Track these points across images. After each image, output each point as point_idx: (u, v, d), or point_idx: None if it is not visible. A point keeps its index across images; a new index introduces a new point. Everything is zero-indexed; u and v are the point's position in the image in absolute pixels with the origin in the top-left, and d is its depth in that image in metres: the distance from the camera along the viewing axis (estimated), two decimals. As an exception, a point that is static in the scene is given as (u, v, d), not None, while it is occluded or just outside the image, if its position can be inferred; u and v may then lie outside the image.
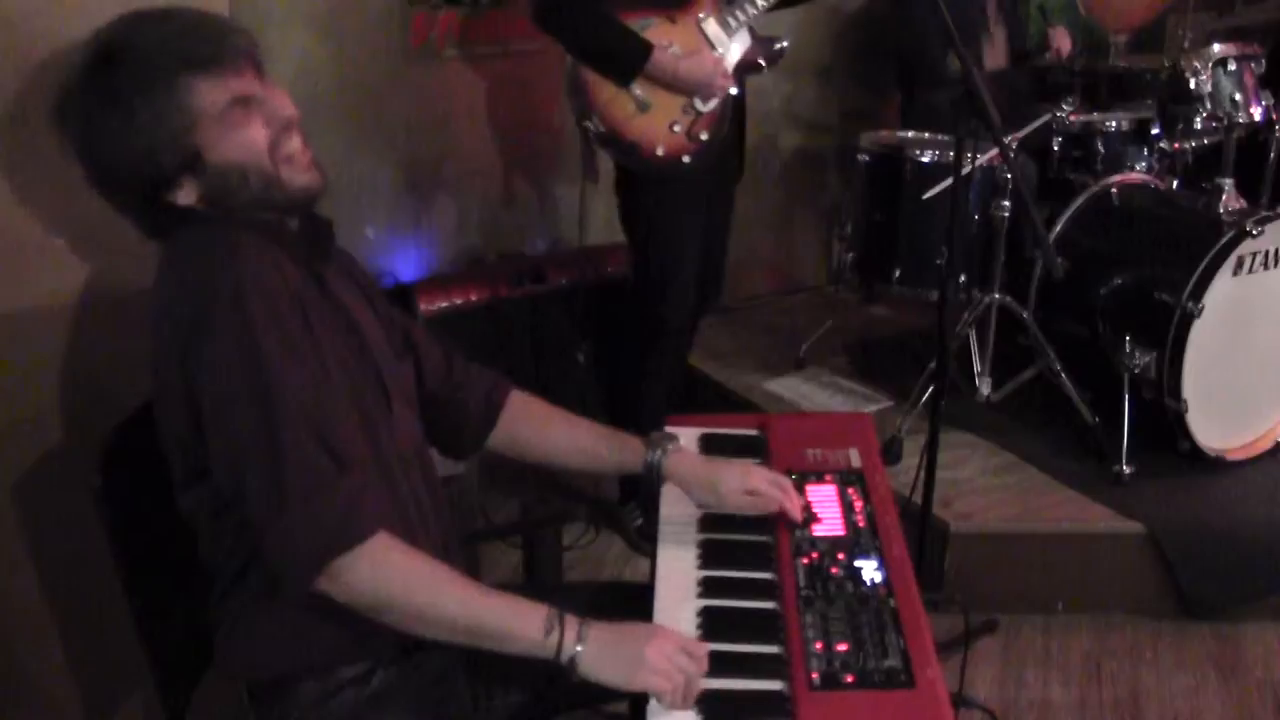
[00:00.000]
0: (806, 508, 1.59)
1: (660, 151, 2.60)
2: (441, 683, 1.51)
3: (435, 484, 1.60)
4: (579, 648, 1.31)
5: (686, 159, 2.62)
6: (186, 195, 1.38)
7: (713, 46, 2.62)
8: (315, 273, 1.46)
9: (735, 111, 2.72)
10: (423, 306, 2.99)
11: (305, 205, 1.45)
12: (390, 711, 1.46)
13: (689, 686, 1.28)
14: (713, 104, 2.61)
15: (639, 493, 2.95)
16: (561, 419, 1.72)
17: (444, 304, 3.03)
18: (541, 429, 1.71)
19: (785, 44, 2.69)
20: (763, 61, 2.67)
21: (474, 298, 3.08)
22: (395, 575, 1.33)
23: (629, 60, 2.53)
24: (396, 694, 1.47)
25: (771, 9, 2.65)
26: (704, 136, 2.62)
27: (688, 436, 1.85)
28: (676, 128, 2.59)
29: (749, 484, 1.58)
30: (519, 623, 1.33)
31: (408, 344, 1.64)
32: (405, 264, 3.25)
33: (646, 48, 2.52)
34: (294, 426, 1.30)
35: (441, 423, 1.68)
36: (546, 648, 1.31)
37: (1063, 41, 3.58)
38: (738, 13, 2.61)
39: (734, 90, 2.65)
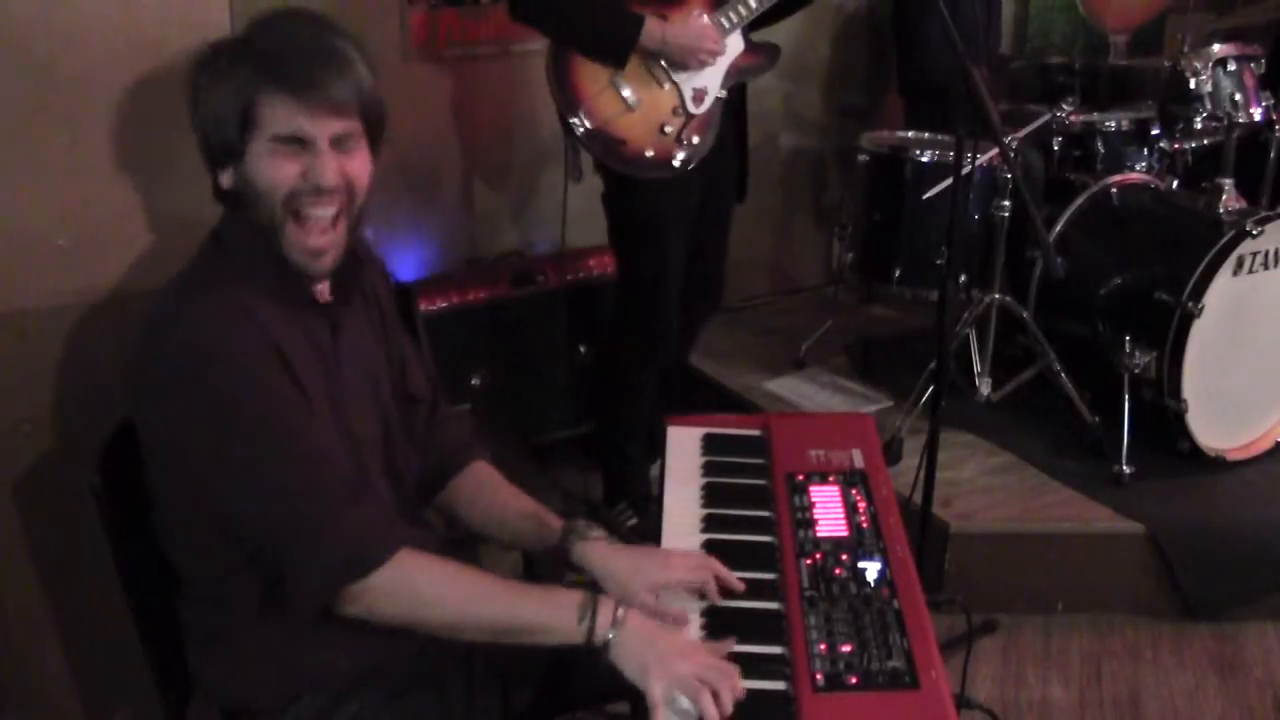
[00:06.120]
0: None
1: (649, 153, 2.54)
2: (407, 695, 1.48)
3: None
4: (613, 634, 1.31)
5: (676, 162, 2.56)
6: (226, 180, 1.40)
7: None
8: (331, 321, 1.46)
9: (736, 123, 2.69)
10: (422, 306, 2.99)
11: (297, 277, 1.42)
12: None
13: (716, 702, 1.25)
14: (706, 105, 2.56)
15: (630, 493, 2.94)
16: (494, 493, 1.68)
17: (444, 304, 3.02)
18: (474, 499, 1.68)
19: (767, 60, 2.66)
20: (759, 59, 2.64)
21: (473, 297, 3.08)
22: (423, 591, 1.34)
23: (622, 35, 2.45)
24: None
25: (764, 11, 2.60)
26: (695, 140, 2.56)
27: (689, 436, 1.85)
28: (667, 129, 2.54)
29: (662, 580, 1.45)
30: (554, 615, 1.33)
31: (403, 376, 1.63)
32: (405, 264, 3.25)
33: (639, 19, 2.45)
34: (289, 459, 1.32)
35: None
36: (579, 634, 1.32)
37: None
38: (730, 14, 2.57)
39: (722, 92, 2.60)
